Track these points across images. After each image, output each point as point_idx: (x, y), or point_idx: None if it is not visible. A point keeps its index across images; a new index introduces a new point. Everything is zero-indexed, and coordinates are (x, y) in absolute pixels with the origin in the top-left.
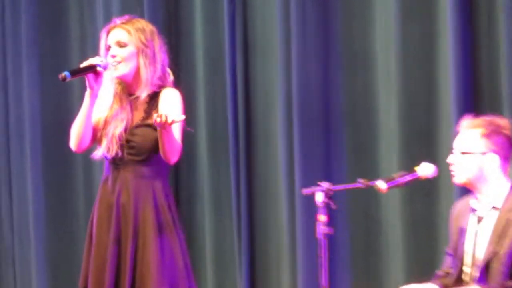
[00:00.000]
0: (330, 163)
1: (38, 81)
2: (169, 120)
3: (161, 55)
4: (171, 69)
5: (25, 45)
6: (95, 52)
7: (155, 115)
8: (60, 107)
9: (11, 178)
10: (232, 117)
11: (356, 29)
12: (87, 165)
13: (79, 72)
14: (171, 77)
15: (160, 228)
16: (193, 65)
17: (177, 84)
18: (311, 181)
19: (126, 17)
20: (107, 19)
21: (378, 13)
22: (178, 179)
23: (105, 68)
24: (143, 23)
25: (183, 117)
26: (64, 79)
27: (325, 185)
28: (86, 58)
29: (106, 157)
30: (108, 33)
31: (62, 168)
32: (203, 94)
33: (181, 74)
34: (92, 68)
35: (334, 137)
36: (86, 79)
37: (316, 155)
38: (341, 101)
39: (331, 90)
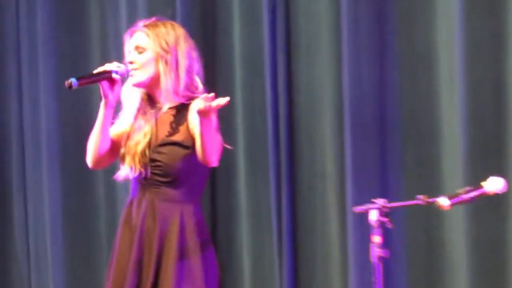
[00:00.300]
0: (386, 176)
1: (55, 83)
2: (214, 104)
3: (187, 62)
4: (206, 73)
5: (41, 44)
6: (118, 53)
7: (201, 98)
8: (80, 113)
9: (27, 195)
10: (273, 125)
11: (415, 27)
12: (109, 181)
13: (89, 79)
14: (200, 87)
15: (183, 255)
16: (230, 68)
17: (213, 90)
18: (364, 197)
19: (153, 19)
20: (132, 16)
21: (441, 9)
22: (215, 195)
23: (122, 75)
24: (169, 27)
25: (228, 98)
26: (70, 86)
27: (380, 202)
28: (106, 61)
29: (130, 178)
30: (131, 36)
31: (82, 183)
32: (241, 100)
33: (219, 78)
34: (105, 75)
35: (391, 148)
36: (100, 87)
37: (370, 168)
38: (398, 107)
39: (387, 96)
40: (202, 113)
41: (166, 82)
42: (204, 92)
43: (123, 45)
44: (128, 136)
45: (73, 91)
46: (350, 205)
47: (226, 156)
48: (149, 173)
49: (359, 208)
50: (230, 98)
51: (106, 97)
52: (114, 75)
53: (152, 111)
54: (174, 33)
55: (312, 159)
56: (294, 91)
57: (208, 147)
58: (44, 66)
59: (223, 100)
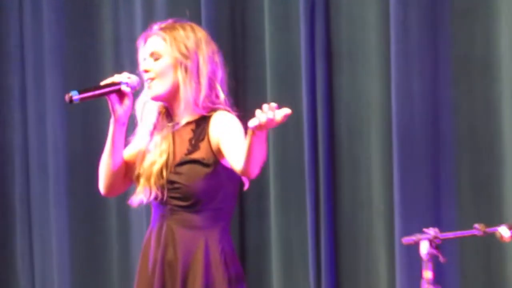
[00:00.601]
0: (439, 203)
1: (63, 95)
2: (278, 118)
3: (209, 68)
4: (234, 85)
5: (47, 50)
6: (132, 60)
7: (264, 108)
8: (90, 132)
9: (31, 224)
10: (311, 147)
11: (473, 31)
12: (122, 209)
13: (93, 92)
14: (222, 96)
15: None
16: (261, 79)
17: (241, 103)
18: (413, 227)
19: (170, 21)
20: (148, 18)
21: (504, 10)
22: (243, 222)
23: (133, 87)
24: (188, 29)
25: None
26: (70, 100)
27: (432, 232)
28: (120, 68)
29: (145, 203)
30: (145, 42)
31: (92, 212)
32: None
33: (247, 90)
34: (113, 87)
35: (444, 170)
36: (108, 101)
37: (421, 193)
38: (453, 123)
39: (440, 109)
40: (261, 127)
41: (186, 92)
42: (227, 103)
43: (138, 52)
44: (143, 156)
45: (83, 104)
46: (398, 236)
47: (255, 181)
48: (165, 196)
49: (407, 240)
50: None
51: (115, 113)
52: (123, 88)
53: (170, 125)
54: (194, 36)
55: (355, 186)
56: (335, 107)
57: (255, 159)
58: (51, 74)
59: (287, 111)
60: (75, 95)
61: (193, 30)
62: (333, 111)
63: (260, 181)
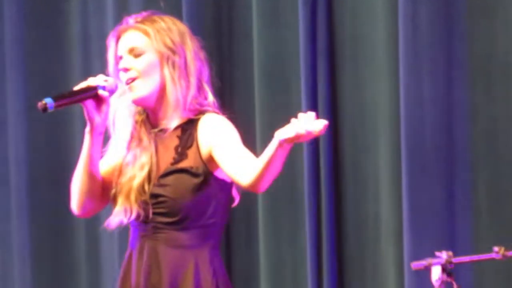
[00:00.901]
0: (452, 222)
1: (25, 101)
2: (317, 129)
3: (197, 65)
4: (219, 83)
5: (8, 49)
6: (104, 60)
7: (302, 117)
8: (57, 141)
9: None
10: (310, 156)
11: (493, 27)
12: (92, 230)
13: (69, 98)
14: (210, 98)
15: None
16: (251, 80)
17: (229, 103)
18: (424, 250)
19: (145, 13)
20: (122, 10)
21: None
22: (230, 246)
23: (111, 91)
24: (168, 21)
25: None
26: (44, 109)
27: (445, 255)
28: (90, 70)
29: (125, 224)
30: (118, 38)
31: (58, 234)
32: (264, 123)
33: (235, 93)
34: (90, 92)
35: (459, 186)
36: (84, 108)
37: (432, 212)
38: (470, 132)
39: (454, 117)
40: (293, 140)
41: (175, 93)
42: (215, 105)
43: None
44: (120, 171)
45: (48, 117)
46: (407, 259)
47: (244, 201)
48: (150, 214)
49: (417, 265)
50: (250, 121)
51: (92, 121)
52: (101, 92)
53: (153, 132)
54: (177, 28)
55: (360, 200)
56: (339, 112)
57: (272, 175)
58: (12, 77)
59: (326, 122)
60: (49, 103)
61: (174, 23)
62: (335, 117)
63: (249, 199)
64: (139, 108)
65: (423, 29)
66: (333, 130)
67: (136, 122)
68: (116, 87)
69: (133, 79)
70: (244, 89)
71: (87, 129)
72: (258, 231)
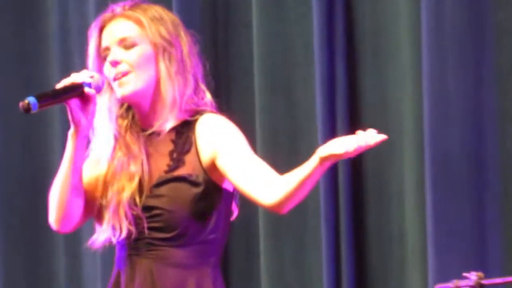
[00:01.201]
0: (483, 240)
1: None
2: (372, 142)
3: (192, 60)
4: (213, 85)
5: None
6: (84, 58)
7: (361, 135)
8: (34, 151)
9: None
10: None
11: None
12: (71, 247)
13: (53, 97)
14: (208, 97)
15: None
16: (250, 82)
17: (225, 103)
18: (452, 271)
19: (131, 1)
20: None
21: None
22: (226, 262)
23: (98, 88)
24: (159, 10)
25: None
26: (27, 109)
27: (474, 277)
28: (68, 65)
29: (112, 242)
30: (101, 28)
31: (32, 252)
32: (265, 127)
33: (233, 93)
34: (75, 90)
35: (488, 202)
36: (68, 108)
37: (460, 229)
38: (500, 140)
39: (483, 124)
40: (338, 157)
41: (171, 90)
42: (213, 105)
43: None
44: (105, 182)
45: (22, 119)
46: (433, 282)
47: (244, 214)
48: (145, 229)
49: (444, 287)
50: (249, 125)
51: (77, 123)
52: (87, 90)
53: (141, 138)
54: (169, 19)
55: (383, 218)
56: (359, 114)
57: (302, 195)
58: None
59: (384, 136)
60: (33, 102)
61: (166, 12)
62: (355, 124)
63: (248, 210)
64: (121, 110)
65: (449, 20)
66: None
67: (120, 126)
68: (103, 83)
69: (125, 74)
70: (243, 89)
71: (71, 131)
72: (259, 249)
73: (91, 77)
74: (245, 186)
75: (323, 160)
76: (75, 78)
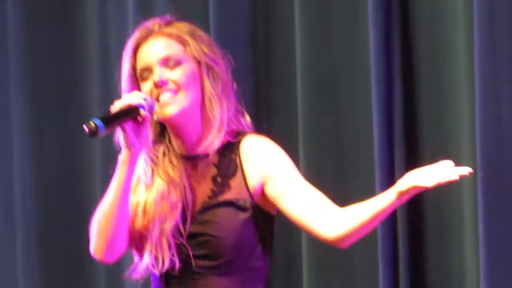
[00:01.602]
0: None
1: (32, 127)
2: (455, 176)
3: (231, 79)
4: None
5: (12, 57)
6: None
7: (445, 166)
8: (72, 179)
9: None
10: (383, 182)
11: None
12: (115, 278)
13: (116, 121)
14: (247, 117)
15: None
16: (293, 94)
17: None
18: None
19: (165, 18)
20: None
21: None
22: None
23: (150, 110)
24: (195, 27)
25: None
26: (94, 133)
27: None
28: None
29: (154, 273)
30: (136, 47)
31: (73, 279)
32: (309, 153)
33: (275, 109)
34: (131, 113)
35: None
36: (123, 132)
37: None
38: None
39: None
40: (419, 189)
41: (218, 110)
42: (251, 127)
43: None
44: (145, 211)
45: (55, 131)
46: None
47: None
48: (190, 259)
49: None
50: (291, 148)
51: (131, 147)
52: (143, 112)
53: (180, 163)
54: (206, 36)
55: (443, 245)
56: (413, 134)
57: (367, 230)
58: (17, 96)
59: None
60: (100, 125)
61: (200, 29)
62: (410, 139)
63: (289, 234)
64: (156, 135)
65: (502, 23)
66: (409, 154)
67: (157, 151)
68: (154, 105)
69: (175, 92)
70: (284, 111)
71: (122, 157)
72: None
73: (144, 99)
74: (301, 216)
75: (401, 194)
76: (129, 100)
